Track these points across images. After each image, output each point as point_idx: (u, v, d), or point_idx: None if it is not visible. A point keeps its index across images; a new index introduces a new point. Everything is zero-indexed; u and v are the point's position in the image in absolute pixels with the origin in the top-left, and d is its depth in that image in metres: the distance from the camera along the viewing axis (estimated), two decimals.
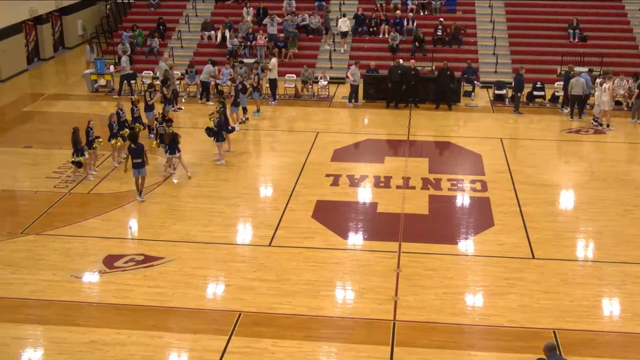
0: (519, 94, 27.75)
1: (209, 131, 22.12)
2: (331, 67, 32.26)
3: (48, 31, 36.73)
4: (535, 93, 29.46)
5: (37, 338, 13.64)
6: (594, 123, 26.25)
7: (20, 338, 13.57)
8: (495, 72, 31.69)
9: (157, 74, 28.99)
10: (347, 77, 29.16)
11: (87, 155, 20.85)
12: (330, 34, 34.63)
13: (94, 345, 13.27)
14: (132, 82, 30.50)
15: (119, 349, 13.16)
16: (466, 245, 17.43)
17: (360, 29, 34.85)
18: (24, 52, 34.50)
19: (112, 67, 31.57)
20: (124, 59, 30.32)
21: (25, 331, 13.77)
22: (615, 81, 27.00)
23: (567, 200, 20.26)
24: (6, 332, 13.69)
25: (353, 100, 28.92)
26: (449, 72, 28.30)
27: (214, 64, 29.43)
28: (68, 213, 18.89)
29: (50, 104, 29.24)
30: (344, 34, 34.51)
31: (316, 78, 30.56)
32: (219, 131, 22.00)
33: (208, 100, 28.75)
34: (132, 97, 24.78)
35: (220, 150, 22.28)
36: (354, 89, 28.91)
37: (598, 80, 26.30)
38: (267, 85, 29.25)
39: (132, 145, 19.45)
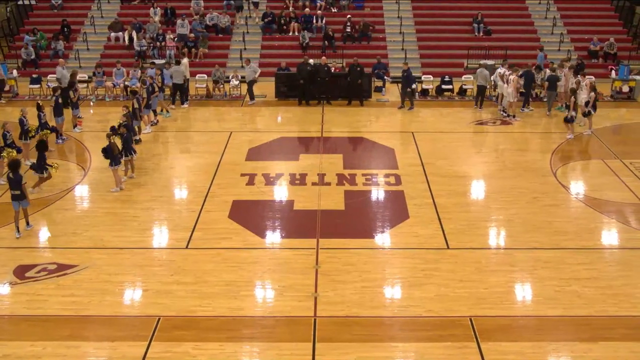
0: (408, 89, 28.17)
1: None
2: (242, 66, 32.12)
3: None
4: (443, 87, 30.13)
5: None
6: (503, 114, 26.99)
7: None
8: None
9: (58, 78, 28.15)
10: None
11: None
12: (240, 24, 34.97)
13: (7, 359, 12.82)
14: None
15: None
16: (383, 238, 17.63)
17: (269, 27, 34.85)
18: None
19: (15, 72, 30.61)
20: None
21: None
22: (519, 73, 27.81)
23: (478, 190, 20.76)
24: None
25: (248, 98, 29.07)
26: (359, 68, 28.61)
27: (164, 65, 28.66)
28: None
29: None
30: (255, 4, 34.69)
31: (227, 77, 30.43)
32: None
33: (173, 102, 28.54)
34: (38, 101, 24.03)
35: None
36: (249, 85, 29.01)
37: (507, 73, 26.97)
38: None
39: (10, 175, 17.32)
